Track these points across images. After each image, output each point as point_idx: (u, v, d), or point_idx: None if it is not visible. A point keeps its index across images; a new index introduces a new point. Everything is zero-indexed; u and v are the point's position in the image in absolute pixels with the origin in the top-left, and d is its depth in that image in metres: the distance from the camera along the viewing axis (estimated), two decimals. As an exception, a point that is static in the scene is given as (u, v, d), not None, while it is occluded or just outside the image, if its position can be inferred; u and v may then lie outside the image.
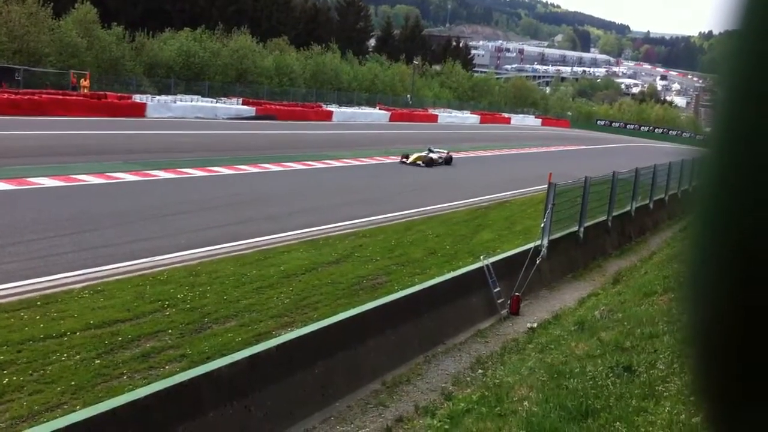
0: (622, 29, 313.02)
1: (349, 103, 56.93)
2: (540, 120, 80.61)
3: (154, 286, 9.60)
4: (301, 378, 6.74)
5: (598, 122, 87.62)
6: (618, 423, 5.37)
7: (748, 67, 0.46)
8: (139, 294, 9.20)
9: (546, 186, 12.84)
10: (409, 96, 67.18)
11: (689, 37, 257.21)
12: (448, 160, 27.34)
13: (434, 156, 26.57)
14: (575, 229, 14.04)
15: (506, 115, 75.30)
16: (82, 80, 38.26)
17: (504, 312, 10.61)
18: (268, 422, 6.25)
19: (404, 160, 26.06)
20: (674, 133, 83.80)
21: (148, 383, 6.13)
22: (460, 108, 71.66)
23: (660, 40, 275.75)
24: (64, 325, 7.90)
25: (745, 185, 0.46)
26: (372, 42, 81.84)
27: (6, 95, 30.09)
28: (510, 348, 9.04)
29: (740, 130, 0.47)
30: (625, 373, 6.38)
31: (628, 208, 17.66)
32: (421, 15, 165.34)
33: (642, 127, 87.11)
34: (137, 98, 37.12)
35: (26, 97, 30.80)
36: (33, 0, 40.31)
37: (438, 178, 23.82)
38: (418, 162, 25.58)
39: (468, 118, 66.26)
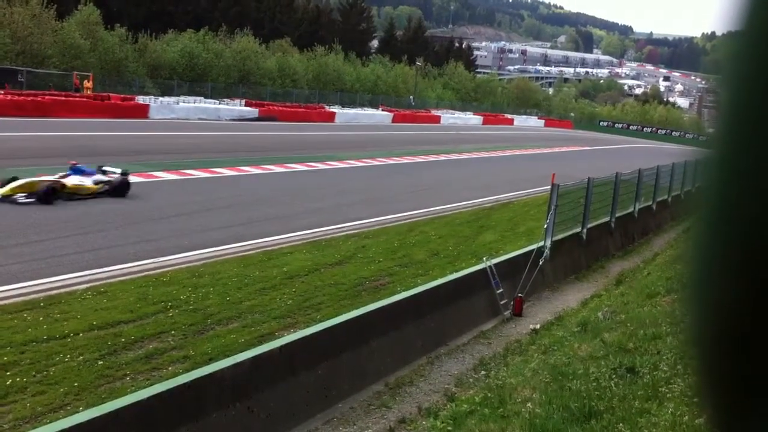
0: (625, 30, 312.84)
1: (352, 104, 56.96)
2: (543, 121, 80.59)
3: (157, 287, 9.61)
4: (304, 379, 6.74)
5: (601, 123, 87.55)
6: (621, 424, 5.36)
7: (752, 68, 0.46)
8: (142, 295, 9.21)
9: (549, 187, 12.84)
10: (411, 97, 67.19)
11: (692, 38, 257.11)
12: (117, 189, 15.40)
13: (75, 181, 14.76)
14: (578, 230, 14.02)
15: (509, 116, 75.29)
16: (85, 82, 38.32)
17: (507, 313, 10.60)
18: (271, 423, 6.25)
19: None
20: (677, 134, 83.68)
21: (151, 384, 6.14)
22: (462, 109, 71.68)
23: (663, 41, 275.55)
24: (67, 326, 7.91)
25: (749, 186, 0.46)
26: (374, 43, 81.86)
27: (9, 97, 30.15)
28: (513, 349, 9.03)
29: (744, 131, 0.46)
30: (628, 375, 6.38)
31: (631, 209, 17.64)
32: (424, 16, 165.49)
33: (645, 128, 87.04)
34: (140, 100, 37.17)
35: (29, 98, 30.86)
36: (36, 1, 40.40)
37: (442, 180, 23.83)
38: (18, 195, 13.66)
39: (471, 119, 66.28)
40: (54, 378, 6.72)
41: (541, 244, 12.19)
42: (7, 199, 13.65)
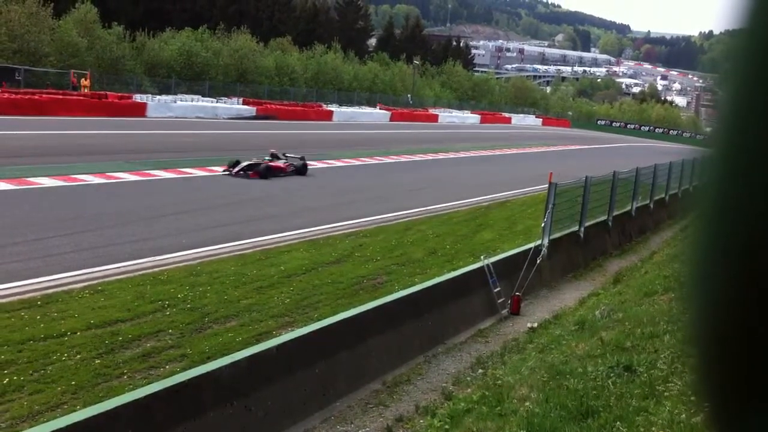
0: (623, 29, 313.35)
1: (350, 102, 56.92)
2: (540, 120, 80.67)
3: (155, 285, 9.60)
4: (302, 378, 6.73)
5: (599, 122, 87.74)
6: (618, 423, 5.36)
7: (750, 67, 0.46)
8: (139, 294, 9.20)
9: (546, 186, 12.83)
10: (409, 96, 67.17)
11: (690, 36, 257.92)
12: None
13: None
14: (576, 228, 14.03)
15: (507, 114, 75.36)
16: (83, 80, 38.26)
17: (504, 312, 10.60)
18: (269, 422, 6.25)
19: None
20: (675, 132, 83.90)
21: (149, 383, 6.12)
22: (460, 108, 71.74)
23: (660, 40, 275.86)
24: (65, 324, 7.89)
25: (748, 184, 0.45)
26: (372, 42, 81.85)
27: (6, 95, 30.11)
28: (510, 348, 9.03)
29: (742, 129, 0.46)
30: (626, 373, 6.38)
31: (629, 207, 17.65)
32: (422, 15, 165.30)
33: (642, 127, 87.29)
34: (138, 98, 37.14)
35: (27, 96, 30.82)
36: (33, 0, 40.32)
37: (439, 179, 23.83)
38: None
39: (468, 117, 66.30)
40: (51, 377, 6.70)
41: (539, 242, 12.19)
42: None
